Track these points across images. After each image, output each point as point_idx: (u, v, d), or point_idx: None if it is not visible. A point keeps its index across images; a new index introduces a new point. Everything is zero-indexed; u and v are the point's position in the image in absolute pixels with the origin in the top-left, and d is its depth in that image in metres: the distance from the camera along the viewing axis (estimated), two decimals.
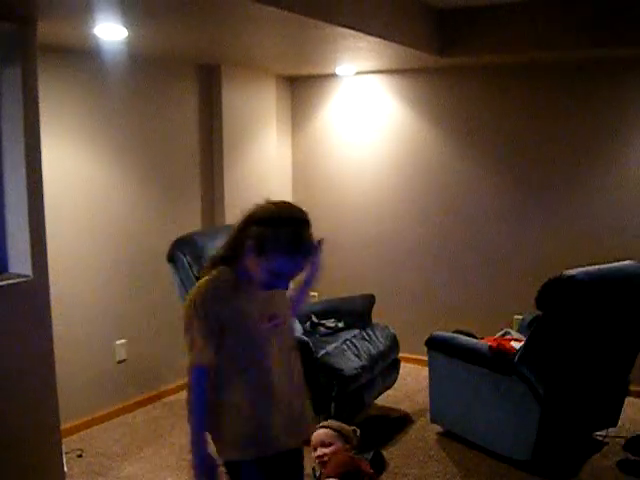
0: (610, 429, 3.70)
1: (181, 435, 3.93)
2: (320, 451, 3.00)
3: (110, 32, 3.25)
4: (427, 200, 5.06)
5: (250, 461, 2.02)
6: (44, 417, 3.03)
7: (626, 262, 3.51)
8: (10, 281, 2.89)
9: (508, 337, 3.83)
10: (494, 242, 4.83)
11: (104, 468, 3.53)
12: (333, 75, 5.24)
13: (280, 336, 2.07)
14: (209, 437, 2.00)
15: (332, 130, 5.39)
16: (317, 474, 3.06)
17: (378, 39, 3.64)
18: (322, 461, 2.98)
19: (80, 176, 3.94)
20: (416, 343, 4.26)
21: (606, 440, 3.69)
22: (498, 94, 4.72)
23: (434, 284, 5.08)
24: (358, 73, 5.16)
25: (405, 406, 4.31)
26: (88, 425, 4.01)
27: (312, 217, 1.95)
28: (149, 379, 4.45)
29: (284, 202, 1.99)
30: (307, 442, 2.28)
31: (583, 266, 3.26)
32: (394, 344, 4.18)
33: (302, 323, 4.26)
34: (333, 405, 3.58)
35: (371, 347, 3.98)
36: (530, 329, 3.41)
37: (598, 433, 3.72)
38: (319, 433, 3.04)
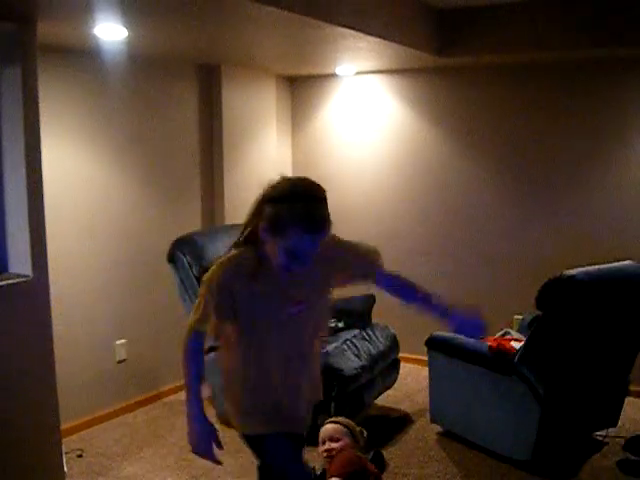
0: (610, 429, 3.70)
1: (181, 435, 3.93)
2: (328, 445, 2.99)
3: (110, 32, 3.25)
4: (427, 200, 5.06)
5: (256, 436, 2.08)
6: (44, 417, 3.03)
7: (626, 262, 3.51)
8: (10, 281, 2.89)
9: (508, 337, 3.83)
10: (494, 242, 4.83)
11: (104, 468, 3.53)
12: (333, 75, 5.24)
13: (301, 323, 2.02)
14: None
15: (332, 130, 5.39)
16: (317, 473, 3.05)
17: (378, 39, 3.64)
18: (330, 455, 2.97)
19: (80, 176, 3.94)
20: (416, 343, 4.26)
21: (606, 440, 3.69)
22: (498, 94, 4.72)
23: (434, 284, 5.02)
24: (358, 73, 5.16)
25: (405, 406, 4.31)
26: (88, 425, 4.01)
27: None
28: (149, 379, 4.45)
29: (298, 178, 1.92)
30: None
31: (583, 266, 3.26)
32: (394, 344, 4.18)
33: None
34: (333, 405, 3.58)
35: (371, 347, 3.98)
36: (530, 329, 3.41)
37: (598, 433, 3.72)
38: (328, 428, 3.03)
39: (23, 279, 2.93)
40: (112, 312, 4.18)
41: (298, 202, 1.80)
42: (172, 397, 4.53)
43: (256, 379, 2.04)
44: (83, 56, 3.81)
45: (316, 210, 1.82)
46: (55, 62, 3.66)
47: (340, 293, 5.19)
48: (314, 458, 3.04)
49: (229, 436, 3.92)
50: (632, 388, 3.83)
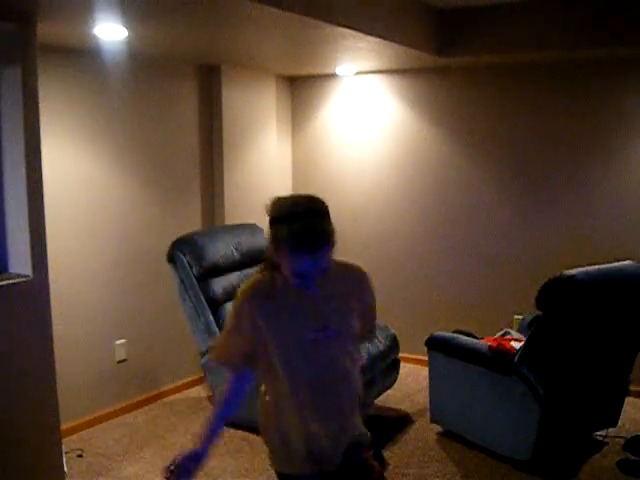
0: (610, 429, 3.70)
1: (181, 435, 3.94)
2: None
3: (110, 32, 3.24)
4: (427, 200, 5.06)
5: (279, 474, 2.00)
6: (44, 417, 3.03)
7: (626, 262, 3.51)
8: (10, 281, 2.89)
9: (508, 337, 3.83)
10: (494, 242, 4.83)
11: (104, 468, 3.53)
12: (333, 75, 5.24)
13: (330, 350, 1.90)
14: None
15: (332, 130, 5.39)
16: None
17: (378, 39, 3.64)
18: None
19: (80, 176, 3.94)
20: (416, 343, 4.27)
21: (606, 440, 3.69)
22: (498, 94, 4.72)
23: (434, 284, 5.08)
24: (358, 73, 5.16)
25: (405, 406, 4.31)
26: (88, 425, 4.01)
27: None
28: (149, 379, 4.45)
29: (297, 196, 1.86)
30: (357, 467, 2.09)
31: (583, 266, 3.26)
32: (394, 344, 4.18)
33: None
34: None
35: (371, 347, 3.98)
36: (530, 329, 3.41)
37: (598, 433, 3.72)
38: None
39: (23, 279, 2.93)
40: (112, 312, 4.18)
41: (294, 221, 1.75)
42: (172, 397, 4.53)
43: (285, 413, 1.95)
44: (83, 56, 3.81)
45: (311, 228, 1.75)
46: (55, 62, 3.66)
47: None
48: None
49: (228, 436, 3.94)
50: (632, 388, 3.83)
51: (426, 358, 3.90)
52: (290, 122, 5.56)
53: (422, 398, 4.29)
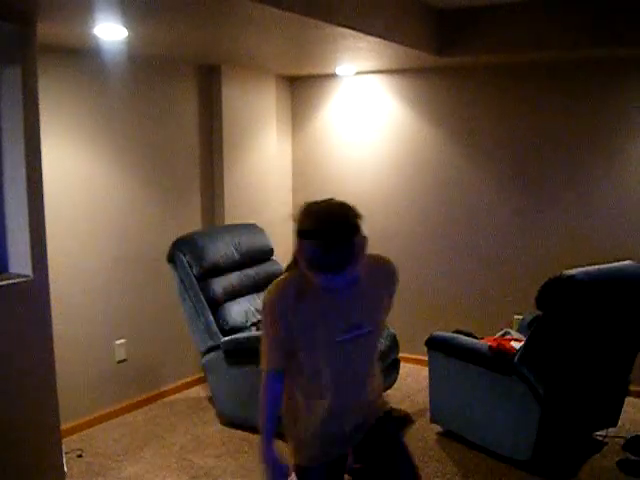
0: (610, 429, 3.70)
1: (181, 435, 3.94)
2: None
3: (110, 32, 3.24)
4: (427, 200, 5.06)
5: (306, 467, 2.02)
6: (44, 417, 3.03)
7: (626, 262, 3.51)
8: (10, 281, 2.88)
9: (508, 337, 3.83)
10: (494, 242, 4.83)
11: (104, 468, 3.53)
12: (333, 75, 5.24)
13: (356, 348, 1.90)
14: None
15: (332, 130, 5.39)
16: None
17: (378, 39, 3.64)
18: None
19: (80, 176, 3.94)
20: (416, 343, 4.27)
21: (606, 440, 3.69)
22: (498, 94, 4.72)
23: (434, 284, 5.08)
24: (358, 73, 5.16)
25: (405, 406, 4.31)
26: (88, 425, 4.01)
27: None
28: (149, 379, 4.45)
29: (326, 207, 1.78)
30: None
31: (583, 266, 3.26)
32: (394, 344, 4.18)
33: None
34: None
35: None
36: (530, 329, 3.41)
37: (598, 433, 3.72)
38: None
39: (23, 279, 2.93)
40: (112, 312, 4.18)
41: (319, 239, 1.68)
42: (172, 397, 4.53)
43: (310, 410, 1.97)
44: (83, 56, 3.81)
45: (336, 250, 1.67)
46: (55, 62, 3.66)
47: None
48: None
49: (228, 436, 3.94)
50: (632, 388, 3.83)
51: (426, 358, 3.90)
52: (290, 122, 5.56)
53: (422, 398, 4.29)
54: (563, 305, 3.17)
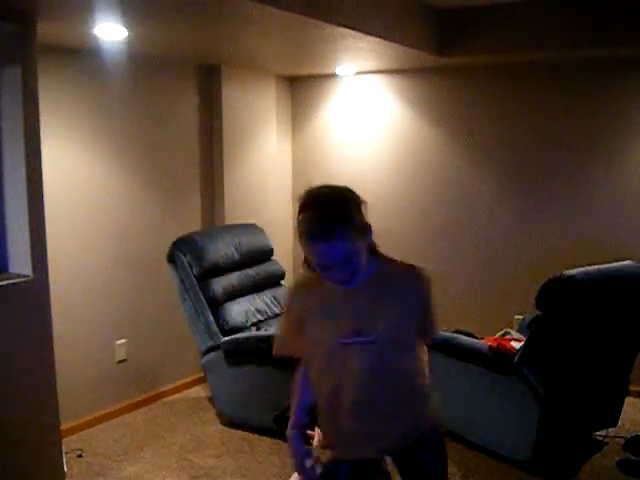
0: (610, 429, 3.70)
1: (181, 435, 3.94)
2: None
3: (110, 32, 3.24)
4: (427, 200, 5.06)
5: (333, 460, 2.01)
6: (44, 417, 3.03)
7: (626, 262, 3.50)
8: (10, 281, 2.88)
9: (508, 337, 3.83)
10: (494, 242, 4.83)
11: (104, 468, 3.53)
12: (333, 75, 5.24)
13: (363, 356, 1.81)
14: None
15: (332, 130, 5.39)
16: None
17: (378, 39, 3.64)
18: None
19: (80, 176, 3.94)
20: None
21: (606, 440, 3.69)
22: (498, 94, 4.72)
23: (434, 284, 5.07)
24: (358, 73, 5.16)
25: None
26: (88, 425, 4.01)
27: None
28: (149, 379, 4.45)
29: (320, 186, 1.85)
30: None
31: (583, 266, 3.26)
32: None
33: None
34: None
35: None
36: (530, 329, 3.41)
37: (598, 433, 3.71)
38: None
39: (23, 279, 2.93)
40: (112, 312, 4.18)
41: (310, 209, 1.73)
42: (172, 397, 4.53)
43: (321, 403, 1.96)
44: (83, 56, 3.81)
45: (325, 215, 1.69)
46: (55, 62, 3.66)
47: None
48: None
49: (228, 436, 3.94)
50: (632, 388, 3.83)
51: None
52: (290, 122, 5.56)
53: None
54: (563, 305, 3.17)
